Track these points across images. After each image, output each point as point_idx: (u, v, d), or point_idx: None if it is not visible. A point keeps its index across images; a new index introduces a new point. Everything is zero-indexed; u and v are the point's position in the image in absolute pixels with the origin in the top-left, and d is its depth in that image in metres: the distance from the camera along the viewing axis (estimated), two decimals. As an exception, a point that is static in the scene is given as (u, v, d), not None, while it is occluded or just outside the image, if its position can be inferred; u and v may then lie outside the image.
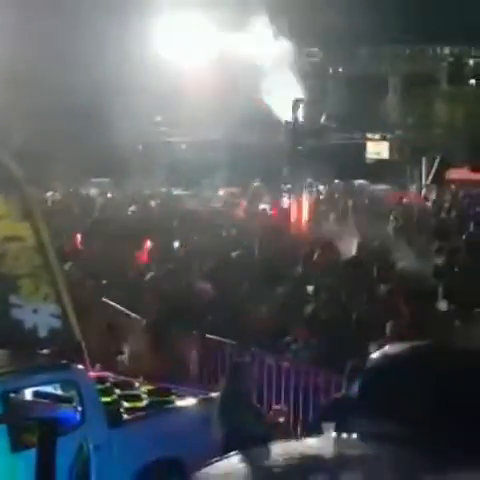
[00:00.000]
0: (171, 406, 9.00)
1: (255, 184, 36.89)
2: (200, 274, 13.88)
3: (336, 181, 39.87)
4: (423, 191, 38.93)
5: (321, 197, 33.27)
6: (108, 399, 8.59)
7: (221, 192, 35.52)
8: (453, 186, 37.71)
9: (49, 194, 29.27)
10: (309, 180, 29.99)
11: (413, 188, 40.32)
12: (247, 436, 6.97)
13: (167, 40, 36.74)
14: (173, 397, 9.15)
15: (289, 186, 31.02)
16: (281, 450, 6.43)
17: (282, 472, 5.96)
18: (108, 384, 9.07)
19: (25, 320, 8.50)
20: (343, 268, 14.49)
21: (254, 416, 8.10)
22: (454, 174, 42.03)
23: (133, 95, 34.60)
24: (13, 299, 8.53)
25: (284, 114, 39.37)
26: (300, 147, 29.59)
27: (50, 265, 8.29)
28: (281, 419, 8.51)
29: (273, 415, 8.63)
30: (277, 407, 9.21)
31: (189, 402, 9.12)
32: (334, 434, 6.37)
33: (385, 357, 7.51)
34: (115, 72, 32.97)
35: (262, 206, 29.45)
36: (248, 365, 8.96)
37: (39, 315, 8.49)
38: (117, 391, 8.97)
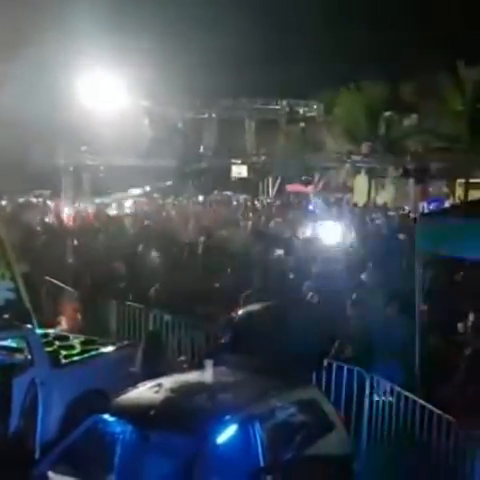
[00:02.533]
0: (96, 352, 8.78)
1: (155, 195, 36.60)
2: (116, 257, 13.52)
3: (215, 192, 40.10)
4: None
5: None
6: (50, 349, 8.33)
7: (129, 201, 35.03)
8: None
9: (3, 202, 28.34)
10: (193, 192, 30.12)
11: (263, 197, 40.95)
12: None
13: (92, 94, 36.11)
14: (98, 346, 8.94)
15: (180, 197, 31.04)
16: (176, 379, 6.40)
17: (176, 394, 5.94)
18: (50, 338, 8.80)
19: (-13, 293, 8.16)
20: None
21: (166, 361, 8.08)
22: (290, 187, 42.80)
23: (67, 132, 33.89)
24: (-22, 278, 8.17)
25: (174, 146, 39.19)
26: (187, 169, 29.62)
27: (6, 254, 7.97)
28: (185, 366, 8.45)
29: (179, 363, 8.57)
30: (182, 358, 9.12)
31: (109, 349, 8.93)
32: (212, 367, 6.38)
33: (247, 313, 7.57)
34: (55, 115, 32.26)
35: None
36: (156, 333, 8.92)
37: (-2, 289, 8.18)
38: (57, 342, 8.70)
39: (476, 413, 6.74)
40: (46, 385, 7.32)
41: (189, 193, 37.42)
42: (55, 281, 11.74)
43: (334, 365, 7.87)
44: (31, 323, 7.95)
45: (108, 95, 36.62)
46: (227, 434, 5.50)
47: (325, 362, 7.79)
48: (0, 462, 5.39)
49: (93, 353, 8.69)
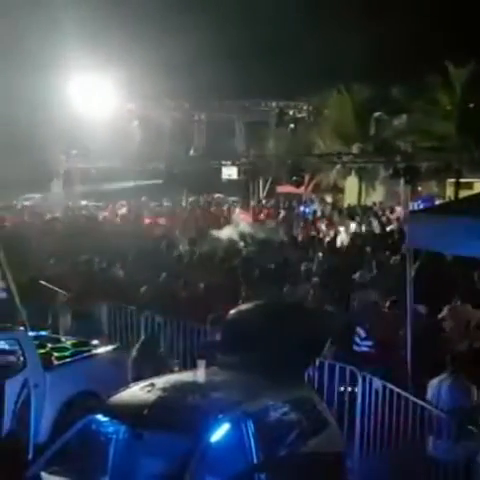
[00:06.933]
0: (88, 354, 8.79)
1: (143, 199, 36.55)
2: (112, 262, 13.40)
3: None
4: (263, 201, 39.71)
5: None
6: (42, 351, 8.35)
7: (122, 203, 34.96)
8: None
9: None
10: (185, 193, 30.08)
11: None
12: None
13: (81, 97, 36.08)
14: (90, 348, 8.95)
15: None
16: (168, 379, 6.42)
17: (169, 393, 5.96)
18: (42, 340, 8.82)
19: (-21, 293, 8.20)
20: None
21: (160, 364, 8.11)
22: (281, 188, 42.80)
23: (57, 135, 33.88)
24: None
25: (162, 147, 39.06)
26: (176, 171, 29.48)
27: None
28: (176, 368, 8.49)
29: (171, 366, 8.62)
30: (174, 361, 9.13)
31: (101, 351, 8.94)
32: (204, 367, 6.40)
33: (238, 312, 7.57)
34: (45, 119, 32.29)
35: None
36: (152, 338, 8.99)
37: (-11, 289, 8.23)
38: (49, 344, 8.72)
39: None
40: (39, 387, 7.33)
41: (180, 195, 37.41)
42: (46, 283, 11.71)
43: (326, 363, 7.91)
44: (23, 324, 7.96)
45: (97, 98, 36.63)
46: (220, 432, 5.53)
47: (317, 361, 7.82)
48: (-7, 464, 5.38)
49: (85, 355, 8.71)
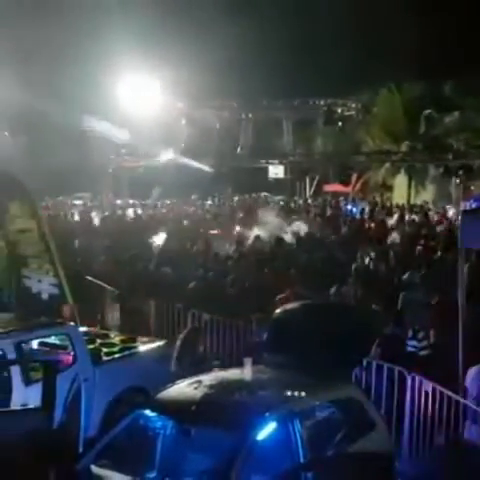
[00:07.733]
0: (136, 350, 8.91)
1: (193, 196, 36.83)
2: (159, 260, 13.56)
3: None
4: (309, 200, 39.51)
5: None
6: (92, 346, 8.51)
7: (167, 201, 35.34)
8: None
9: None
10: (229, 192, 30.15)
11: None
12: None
13: (130, 96, 36.62)
14: (138, 344, 9.08)
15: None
16: (215, 376, 6.48)
17: (216, 390, 6.00)
18: (92, 335, 8.99)
19: (32, 287, 8.42)
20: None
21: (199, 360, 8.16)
22: (328, 187, 42.59)
23: (107, 135, 34.45)
24: (24, 272, 8.43)
25: (210, 146, 39.28)
26: (223, 169, 29.62)
27: (50, 249, 8.22)
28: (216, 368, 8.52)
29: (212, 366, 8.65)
30: (216, 362, 9.16)
31: (149, 347, 9.07)
32: (251, 365, 6.42)
33: (284, 312, 7.56)
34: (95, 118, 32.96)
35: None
36: (200, 329, 9.04)
37: (42, 284, 8.42)
38: (98, 340, 8.89)
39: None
40: (88, 382, 7.47)
41: (227, 194, 37.57)
42: (96, 280, 11.92)
43: (374, 364, 7.84)
44: (73, 319, 8.12)
45: (147, 97, 37.16)
46: (267, 430, 5.55)
47: (364, 361, 7.76)
48: (45, 456, 5.51)
49: (133, 351, 8.84)
